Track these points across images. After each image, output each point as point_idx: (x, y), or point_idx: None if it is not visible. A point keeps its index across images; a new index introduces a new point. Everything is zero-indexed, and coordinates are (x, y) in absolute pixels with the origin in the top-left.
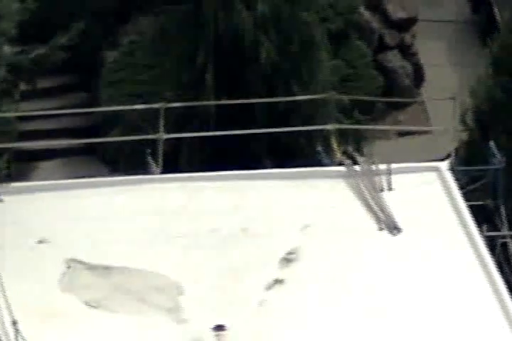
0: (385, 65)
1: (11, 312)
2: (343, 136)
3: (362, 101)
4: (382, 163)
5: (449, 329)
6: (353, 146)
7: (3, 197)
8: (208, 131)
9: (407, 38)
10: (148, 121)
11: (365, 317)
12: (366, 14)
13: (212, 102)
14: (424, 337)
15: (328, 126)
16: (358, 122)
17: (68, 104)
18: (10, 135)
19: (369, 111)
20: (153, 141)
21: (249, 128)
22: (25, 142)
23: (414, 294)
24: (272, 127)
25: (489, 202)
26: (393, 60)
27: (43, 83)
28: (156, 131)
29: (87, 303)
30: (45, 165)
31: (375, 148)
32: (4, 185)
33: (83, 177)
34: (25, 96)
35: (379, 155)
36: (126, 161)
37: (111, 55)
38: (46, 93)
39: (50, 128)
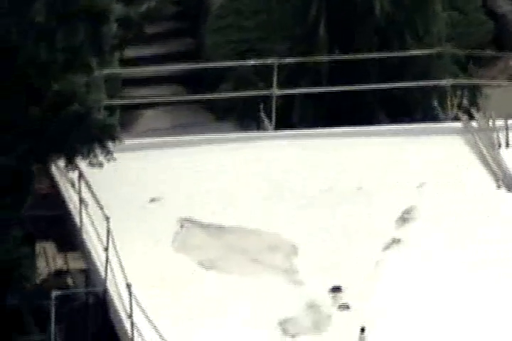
0: (495, 10)
1: (124, 274)
2: (458, 89)
3: (473, 48)
4: (499, 117)
5: None
6: (469, 100)
7: (115, 155)
8: (320, 86)
9: None
10: (259, 74)
11: (483, 276)
12: None
13: (326, 57)
14: None
15: (444, 82)
16: (472, 74)
17: (174, 50)
18: (115, 83)
19: (479, 59)
20: (265, 96)
21: (363, 83)
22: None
23: None
24: (385, 81)
25: None
26: (503, 5)
27: (149, 29)
28: (267, 85)
29: (201, 264)
30: (149, 114)
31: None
32: (117, 142)
33: (188, 125)
34: (131, 42)
35: (493, 106)
36: (237, 114)
37: (217, 1)
38: (152, 38)
39: (155, 76)
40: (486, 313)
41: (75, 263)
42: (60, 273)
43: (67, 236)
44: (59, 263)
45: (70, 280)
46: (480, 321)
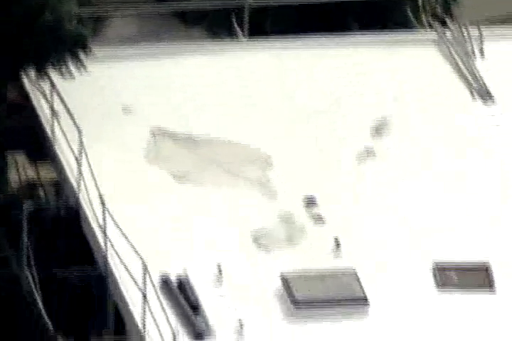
0: None
1: (97, 186)
2: None
3: None
4: (472, 25)
5: None
6: (442, 8)
7: (87, 65)
8: None
9: None
10: None
11: (457, 188)
12: None
13: None
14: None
15: None
16: None
17: None
18: None
19: None
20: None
21: None
22: None
23: (504, 166)
24: None
25: None
26: None
27: None
28: None
29: (174, 176)
30: (118, 22)
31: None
32: (88, 52)
33: (158, 33)
34: None
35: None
36: (208, 22)
37: None
38: None
39: None
40: (460, 224)
41: (47, 175)
42: (31, 185)
43: (39, 147)
44: (30, 174)
45: (41, 192)
46: (454, 232)
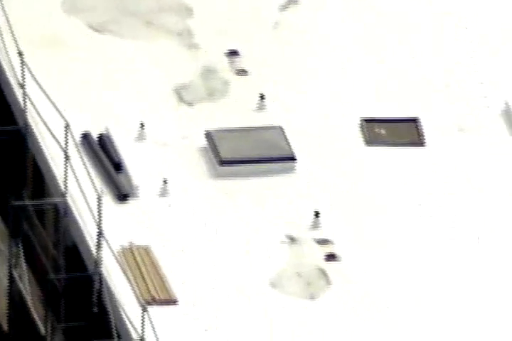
0: None
1: (15, 42)
2: None
3: None
4: None
5: None
6: None
7: None
8: None
9: None
10: None
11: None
12: None
13: None
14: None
15: None
16: None
17: None
18: None
19: None
20: None
21: None
22: None
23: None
24: None
25: None
26: None
27: None
28: None
29: (92, 27)
30: None
31: None
32: None
33: None
34: None
35: None
36: None
37: None
38: None
39: None
40: (387, 82)
41: None
42: None
43: None
44: None
45: None
46: (382, 90)
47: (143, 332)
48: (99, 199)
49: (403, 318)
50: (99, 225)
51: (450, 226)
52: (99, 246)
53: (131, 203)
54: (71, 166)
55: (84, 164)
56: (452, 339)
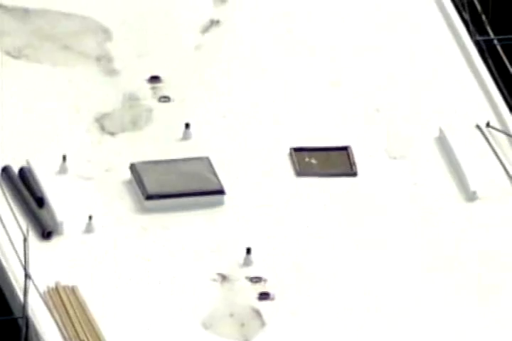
0: None
1: None
2: None
3: None
4: None
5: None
6: None
7: None
8: None
9: None
10: None
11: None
12: None
13: None
14: None
15: None
16: None
17: None
18: None
19: None
20: None
21: None
22: None
23: None
24: None
25: None
26: None
27: None
28: None
29: (8, 53)
30: None
31: None
32: None
33: None
34: None
35: None
36: None
37: None
38: None
39: None
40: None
41: None
42: None
43: None
44: None
45: None
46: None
47: None
48: (25, 240)
49: None
50: (25, 267)
51: (389, 257)
52: (25, 289)
53: (55, 241)
54: None
55: (7, 200)
56: None
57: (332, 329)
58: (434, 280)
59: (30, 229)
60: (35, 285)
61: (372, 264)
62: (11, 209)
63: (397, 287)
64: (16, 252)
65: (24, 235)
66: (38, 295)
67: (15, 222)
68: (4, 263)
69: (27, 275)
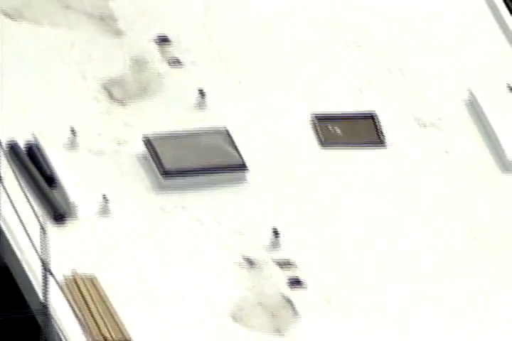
0: None
1: None
2: None
3: None
4: None
5: None
6: None
7: None
8: None
9: None
10: None
11: None
12: None
13: None
14: None
15: None
16: None
17: None
18: None
19: None
20: None
21: None
22: None
23: None
24: None
25: None
26: None
27: None
28: None
29: (6, 15)
30: None
31: None
32: None
33: None
34: None
35: None
36: None
37: None
38: None
39: None
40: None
41: None
42: None
43: None
44: None
45: None
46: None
47: None
48: (42, 227)
49: None
50: (43, 259)
51: (416, 231)
52: (45, 282)
53: (68, 225)
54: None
55: (18, 181)
56: None
57: (369, 317)
58: (470, 251)
59: (41, 212)
60: (55, 279)
61: (407, 238)
62: (23, 192)
63: (435, 260)
64: (32, 242)
65: (41, 224)
66: (57, 289)
67: (29, 207)
68: (19, 255)
69: (47, 270)
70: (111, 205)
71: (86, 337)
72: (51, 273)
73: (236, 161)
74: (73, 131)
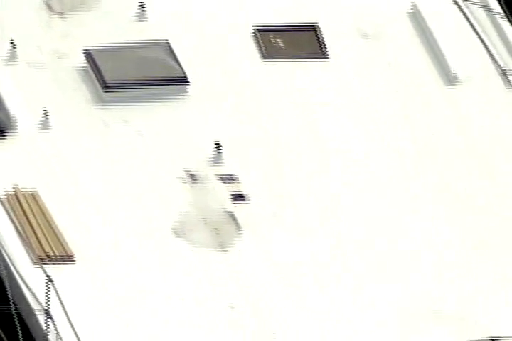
0: None
1: None
2: None
3: None
4: None
5: None
6: None
7: None
8: None
9: None
10: None
11: None
12: None
13: None
14: None
15: None
16: None
17: None
18: None
19: None
20: None
21: None
22: None
23: None
24: None
25: None
26: None
27: None
28: None
29: None
30: None
31: None
32: None
33: None
34: None
35: None
36: None
37: None
38: None
39: None
40: None
41: None
42: None
43: None
44: None
45: None
46: None
47: (48, 304)
48: None
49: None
50: None
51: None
52: None
53: (9, 139)
54: None
55: None
56: None
57: (312, 233)
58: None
59: None
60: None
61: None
62: None
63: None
64: None
65: None
66: None
67: None
68: None
69: None
70: (51, 119)
71: (28, 253)
72: None
73: (177, 74)
74: (12, 44)
